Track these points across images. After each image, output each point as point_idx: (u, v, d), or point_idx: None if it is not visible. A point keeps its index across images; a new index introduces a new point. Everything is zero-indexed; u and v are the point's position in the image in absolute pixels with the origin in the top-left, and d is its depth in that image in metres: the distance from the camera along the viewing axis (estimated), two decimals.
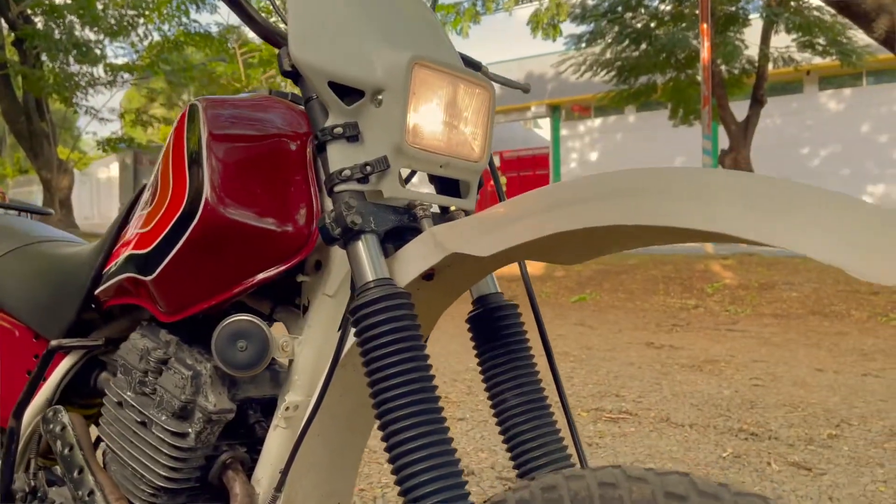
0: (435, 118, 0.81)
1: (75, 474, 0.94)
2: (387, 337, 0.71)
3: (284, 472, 0.85)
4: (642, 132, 18.15)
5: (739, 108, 12.47)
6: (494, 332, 0.86)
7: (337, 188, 0.79)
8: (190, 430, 0.88)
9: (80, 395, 1.10)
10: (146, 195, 0.97)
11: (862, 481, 2.47)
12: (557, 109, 19.85)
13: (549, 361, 0.87)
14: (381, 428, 0.71)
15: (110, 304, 1.00)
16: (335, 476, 0.93)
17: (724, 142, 12.44)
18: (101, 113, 16.74)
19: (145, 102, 22.81)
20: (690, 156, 15.37)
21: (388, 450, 0.70)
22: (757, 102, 12.47)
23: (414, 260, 0.77)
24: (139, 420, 0.92)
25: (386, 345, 0.71)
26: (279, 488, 0.86)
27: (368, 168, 0.78)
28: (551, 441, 0.82)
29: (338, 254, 0.88)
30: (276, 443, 0.91)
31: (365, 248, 0.77)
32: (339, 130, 0.79)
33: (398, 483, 0.69)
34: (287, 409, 0.90)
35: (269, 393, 0.96)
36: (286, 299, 0.94)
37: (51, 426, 1.00)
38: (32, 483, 1.04)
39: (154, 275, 0.88)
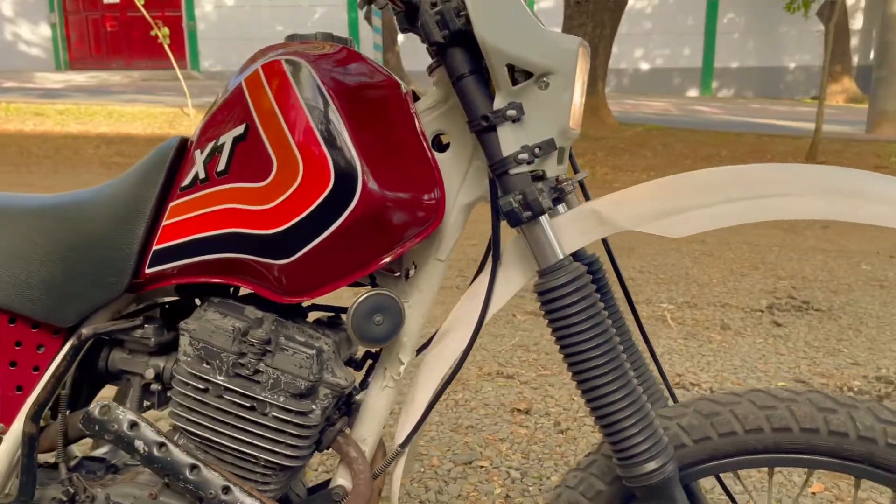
0: (581, 97, 0.86)
1: (188, 474, 0.83)
2: (581, 317, 0.81)
3: (416, 428, 0.90)
4: None
5: None
6: None
7: (512, 171, 0.82)
8: (315, 406, 0.86)
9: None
10: (223, 163, 0.84)
11: None
12: None
13: (631, 309, 1.02)
14: (590, 402, 0.82)
15: (166, 283, 0.86)
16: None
17: None
18: None
19: None
20: None
21: (598, 417, 0.82)
22: None
23: (574, 234, 0.85)
24: (246, 405, 0.86)
25: (582, 328, 0.81)
26: (404, 444, 0.91)
27: (538, 150, 0.82)
28: (650, 382, 1.00)
29: (448, 220, 0.91)
30: (382, 403, 0.94)
31: (543, 229, 0.82)
32: (512, 113, 0.80)
33: (616, 450, 0.82)
34: (400, 371, 0.93)
35: (348, 354, 0.97)
36: None
37: (113, 426, 0.85)
38: (70, 490, 0.87)
39: (292, 258, 0.80)
